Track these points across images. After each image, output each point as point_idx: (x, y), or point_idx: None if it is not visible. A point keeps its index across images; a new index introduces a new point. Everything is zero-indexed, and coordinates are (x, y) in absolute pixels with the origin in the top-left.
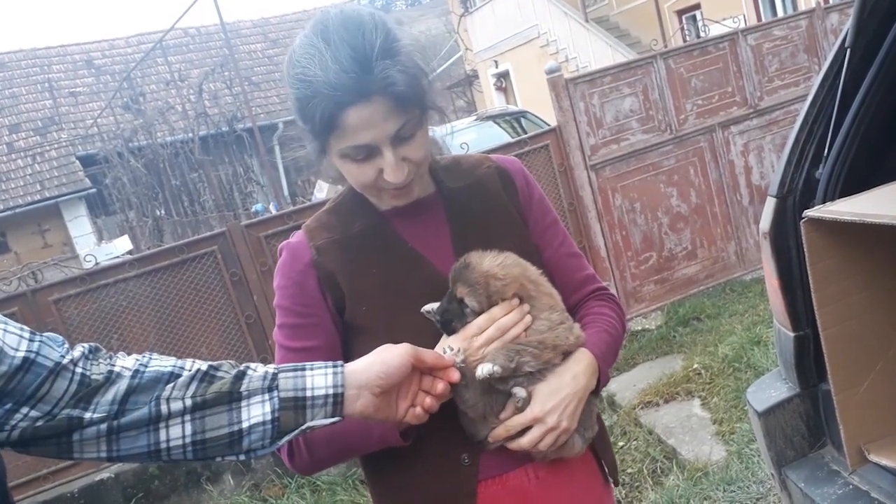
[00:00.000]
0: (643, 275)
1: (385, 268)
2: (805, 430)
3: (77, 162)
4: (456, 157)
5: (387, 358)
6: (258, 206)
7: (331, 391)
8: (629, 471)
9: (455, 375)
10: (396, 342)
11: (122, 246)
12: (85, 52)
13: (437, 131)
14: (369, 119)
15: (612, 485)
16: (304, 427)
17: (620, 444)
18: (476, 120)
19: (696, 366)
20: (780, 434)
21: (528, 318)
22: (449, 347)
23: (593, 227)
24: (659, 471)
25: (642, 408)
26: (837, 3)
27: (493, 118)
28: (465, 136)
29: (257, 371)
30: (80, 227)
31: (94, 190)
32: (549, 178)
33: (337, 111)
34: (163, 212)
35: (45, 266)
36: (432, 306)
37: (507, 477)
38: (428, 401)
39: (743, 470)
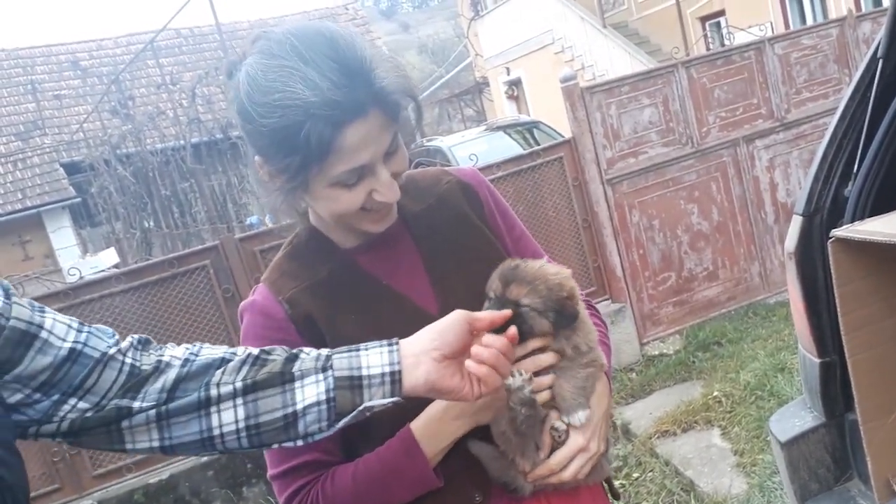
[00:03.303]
0: (661, 296)
1: (364, 313)
2: (830, 461)
3: (61, 169)
4: (411, 175)
5: (434, 325)
6: (253, 219)
7: (387, 369)
8: None
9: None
10: None
11: (108, 259)
12: (71, 53)
13: (444, 141)
14: (367, 135)
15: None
16: (361, 407)
17: (635, 475)
18: (486, 130)
19: (716, 393)
20: (804, 466)
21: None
22: (518, 372)
23: (609, 245)
24: None
25: (659, 437)
26: (870, 11)
27: (504, 128)
28: (474, 147)
29: (310, 353)
30: (63, 238)
31: (78, 199)
32: (562, 193)
33: (334, 132)
34: (152, 223)
35: (26, 279)
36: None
37: None
38: (486, 354)
39: None
